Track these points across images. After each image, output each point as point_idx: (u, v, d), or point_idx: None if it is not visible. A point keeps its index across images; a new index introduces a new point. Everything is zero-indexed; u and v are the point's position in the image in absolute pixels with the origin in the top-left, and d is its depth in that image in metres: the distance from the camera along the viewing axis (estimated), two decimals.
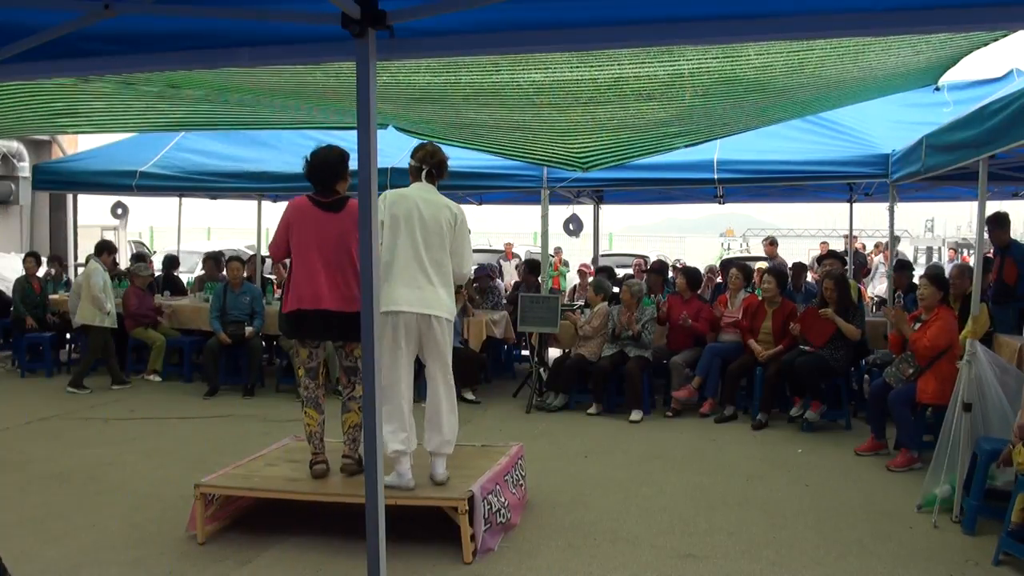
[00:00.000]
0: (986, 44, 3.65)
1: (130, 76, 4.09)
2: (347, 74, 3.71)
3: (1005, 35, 3.41)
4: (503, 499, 4.35)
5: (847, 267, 9.20)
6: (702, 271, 10.25)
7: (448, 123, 5.25)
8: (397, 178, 8.18)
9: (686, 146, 6.04)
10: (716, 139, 6.73)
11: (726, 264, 12.50)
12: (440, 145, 4.60)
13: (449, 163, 4.50)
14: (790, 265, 10.20)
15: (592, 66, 3.54)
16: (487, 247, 20.17)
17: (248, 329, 8.37)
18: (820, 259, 9.47)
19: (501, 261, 15.72)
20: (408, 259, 4.18)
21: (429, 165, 4.38)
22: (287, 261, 4.55)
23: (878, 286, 13.29)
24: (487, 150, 6.38)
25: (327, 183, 4.48)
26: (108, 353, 8.45)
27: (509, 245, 18.44)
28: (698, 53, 3.46)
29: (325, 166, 4.47)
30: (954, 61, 4.15)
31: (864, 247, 14.10)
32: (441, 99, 4.25)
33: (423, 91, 4.04)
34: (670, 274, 10.87)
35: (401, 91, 4.05)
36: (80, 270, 10.69)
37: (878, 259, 15.54)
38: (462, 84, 3.85)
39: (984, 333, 4.96)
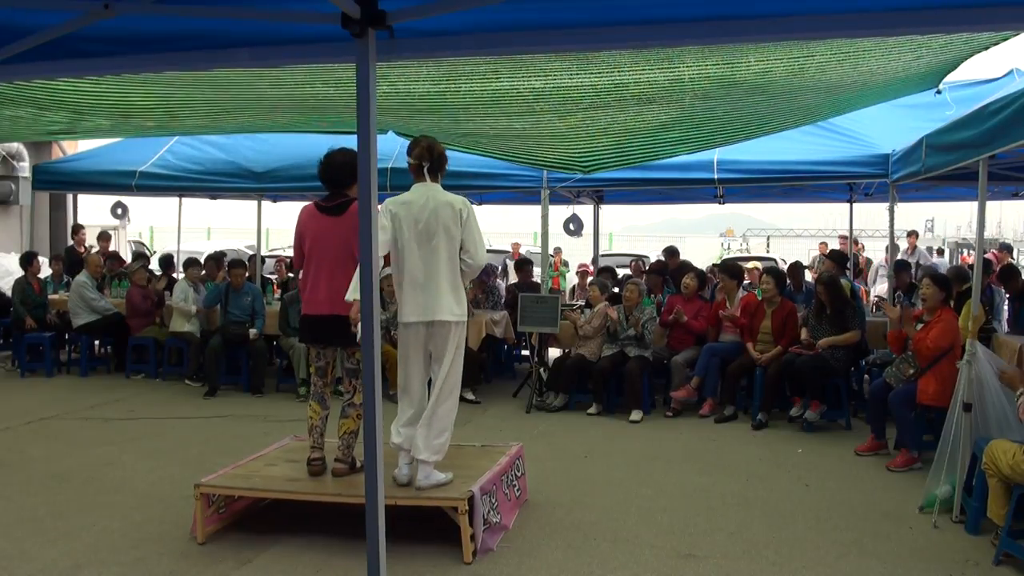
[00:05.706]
0: (986, 48, 3.64)
1: (128, 111, 4.07)
2: (346, 84, 3.70)
3: (1005, 39, 3.40)
4: (495, 500, 4.35)
5: (847, 267, 9.20)
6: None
7: (449, 131, 5.24)
8: (397, 178, 8.18)
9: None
10: (718, 147, 6.74)
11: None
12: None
13: (448, 157, 4.49)
14: (787, 265, 10.17)
15: (592, 72, 3.52)
16: (488, 247, 19.94)
17: (253, 332, 8.38)
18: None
19: (508, 260, 15.48)
20: (413, 267, 4.22)
21: (428, 161, 4.30)
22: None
23: (878, 287, 13.25)
24: (488, 155, 6.38)
25: (336, 184, 4.51)
26: (195, 353, 8.74)
27: (516, 245, 18.02)
28: (698, 59, 3.44)
29: (332, 167, 4.51)
30: (954, 65, 4.14)
31: (863, 248, 13.99)
32: (441, 109, 4.23)
33: (423, 101, 4.02)
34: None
35: (401, 102, 4.03)
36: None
37: (878, 261, 15.50)
38: (462, 93, 3.82)
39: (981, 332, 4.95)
